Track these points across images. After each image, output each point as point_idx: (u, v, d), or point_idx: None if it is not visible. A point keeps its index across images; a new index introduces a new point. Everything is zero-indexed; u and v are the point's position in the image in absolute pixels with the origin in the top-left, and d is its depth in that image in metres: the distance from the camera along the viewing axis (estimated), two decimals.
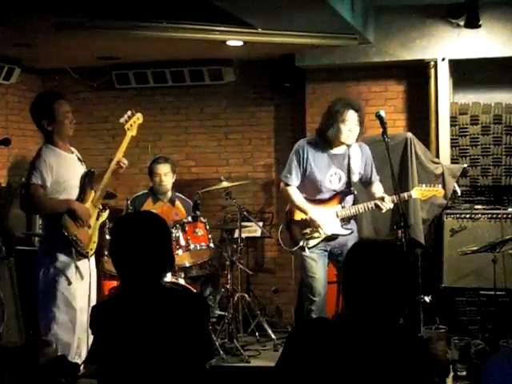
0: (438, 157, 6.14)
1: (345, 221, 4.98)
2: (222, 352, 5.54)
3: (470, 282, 5.76)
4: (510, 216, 5.79)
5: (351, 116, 4.82)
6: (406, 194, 5.01)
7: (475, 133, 6.19)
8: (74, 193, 4.56)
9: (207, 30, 5.64)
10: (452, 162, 6.19)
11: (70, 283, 4.46)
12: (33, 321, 5.44)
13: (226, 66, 6.91)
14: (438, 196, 5.36)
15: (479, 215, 5.86)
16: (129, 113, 4.82)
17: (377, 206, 4.91)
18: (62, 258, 4.47)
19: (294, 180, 4.96)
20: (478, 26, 5.84)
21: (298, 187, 4.98)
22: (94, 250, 4.63)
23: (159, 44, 6.04)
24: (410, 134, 6.02)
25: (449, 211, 5.95)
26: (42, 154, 4.50)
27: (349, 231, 4.99)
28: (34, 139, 7.35)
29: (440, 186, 5.29)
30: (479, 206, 6.01)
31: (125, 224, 2.88)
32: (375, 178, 5.11)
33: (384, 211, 4.94)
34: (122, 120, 4.80)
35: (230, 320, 5.85)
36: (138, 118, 4.85)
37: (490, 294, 5.52)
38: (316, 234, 4.92)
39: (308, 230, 4.93)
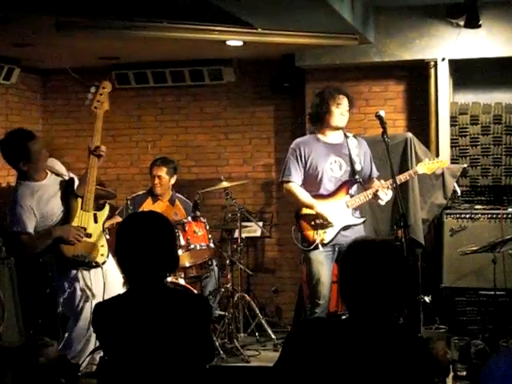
0: (437, 157, 6.13)
1: (355, 209, 4.96)
2: (222, 352, 5.54)
3: (470, 282, 5.76)
4: (510, 216, 5.79)
5: (344, 101, 4.94)
6: (411, 171, 5.04)
7: (475, 133, 6.19)
8: (61, 215, 4.57)
9: (207, 30, 5.64)
10: (452, 162, 6.18)
11: (87, 298, 4.50)
12: (33, 321, 5.45)
13: (225, 66, 6.90)
14: (444, 166, 5.33)
15: (479, 215, 5.86)
16: (92, 90, 4.56)
17: (375, 195, 4.88)
18: (70, 279, 4.52)
19: (295, 177, 4.95)
20: (478, 26, 5.84)
21: (304, 186, 4.97)
22: (106, 254, 4.59)
23: (159, 44, 6.04)
24: (409, 134, 6.02)
25: (449, 211, 5.95)
26: (18, 197, 4.46)
27: (361, 219, 4.99)
28: None
29: (440, 157, 5.29)
30: (479, 206, 6.01)
31: (130, 224, 2.88)
32: (375, 173, 5.11)
33: (383, 198, 4.87)
34: (86, 103, 4.58)
35: (230, 320, 5.85)
36: (105, 86, 4.56)
37: (490, 294, 5.52)
38: (329, 229, 4.88)
39: (320, 227, 4.88)
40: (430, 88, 6.25)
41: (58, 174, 4.65)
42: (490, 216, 5.83)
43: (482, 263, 5.52)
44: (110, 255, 4.72)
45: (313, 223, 4.90)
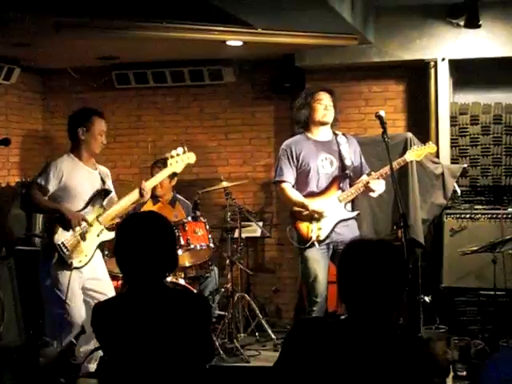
0: (437, 157, 6.14)
1: (348, 204, 4.95)
2: (221, 352, 5.54)
3: (470, 282, 5.76)
4: (510, 216, 5.79)
5: (324, 96, 4.96)
6: (400, 160, 4.97)
7: (475, 133, 6.19)
8: (82, 204, 4.61)
9: (207, 30, 5.65)
10: (452, 162, 6.19)
11: (59, 288, 4.51)
12: (33, 321, 5.45)
13: (225, 66, 6.91)
14: (432, 152, 5.29)
15: (479, 215, 5.86)
16: (179, 150, 4.80)
17: (366, 186, 4.86)
18: (50, 264, 4.53)
19: (288, 176, 4.95)
20: (478, 26, 5.84)
21: (296, 186, 4.96)
22: (84, 263, 4.58)
23: (159, 44, 6.04)
24: (409, 134, 6.02)
25: (449, 211, 5.95)
26: (58, 159, 4.65)
27: (355, 213, 4.99)
28: (34, 139, 7.37)
29: (431, 143, 5.26)
30: (479, 206, 6.01)
31: (130, 224, 2.88)
32: (365, 169, 5.10)
33: (375, 189, 4.84)
34: (167, 154, 4.82)
35: (229, 320, 5.85)
36: (189, 157, 4.85)
37: (490, 294, 5.52)
38: (323, 225, 4.87)
39: (315, 224, 4.88)
40: (430, 88, 6.25)
41: (103, 180, 4.76)
42: (490, 216, 5.83)
43: (482, 263, 5.52)
44: (106, 270, 4.78)
45: (309, 222, 4.88)
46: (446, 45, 6.14)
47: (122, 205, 4.68)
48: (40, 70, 7.37)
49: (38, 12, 4.96)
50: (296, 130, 5.16)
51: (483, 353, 4.96)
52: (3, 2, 4.67)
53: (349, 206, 4.99)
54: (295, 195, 4.95)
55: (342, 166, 4.96)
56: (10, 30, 5.40)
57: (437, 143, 6.21)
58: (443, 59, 6.18)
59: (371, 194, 4.94)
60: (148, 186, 4.73)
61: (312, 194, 4.94)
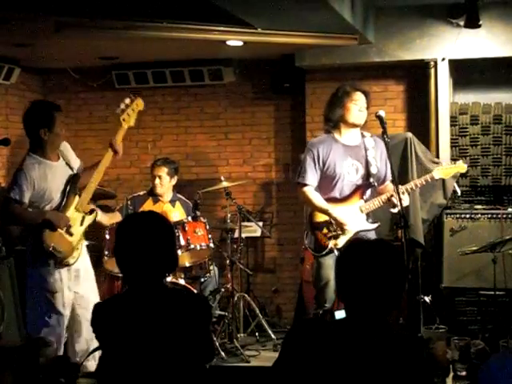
0: (437, 157, 6.14)
1: (370, 215, 4.80)
2: (222, 352, 5.54)
3: (470, 282, 5.77)
4: (510, 216, 5.80)
5: (360, 96, 4.77)
6: (428, 177, 4.80)
7: (475, 133, 6.19)
8: (58, 200, 4.53)
9: (207, 30, 5.65)
10: None
11: (53, 292, 4.47)
12: None
13: (225, 66, 6.91)
14: (462, 171, 5.05)
15: (479, 215, 5.86)
16: (126, 101, 4.60)
17: (389, 200, 4.67)
18: (42, 269, 4.47)
19: (311, 179, 4.75)
20: (478, 26, 5.84)
21: (318, 189, 4.79)
22: (77, 258, 4.54)
23: (159, 44, 6.04)
24: (409, 134, 6.02)
25: (449, 211, 5.96)
26: (25, 166, 4.42)
27: (375, 225, 4.81)
28: None
29: (461, 161, 5.04)
30: (479, 206, 6.01)
31: (130, 224, 2.88)
32: (389, 175, 4.83)
33: (397, 204, 4.54)
34: (117, 111, 4.61)
35: (229, 320, 5.85)
36: (138, 104, 4.65)
37: (490, 294, 5.52)
38: (342, 233, 4.71)
39: (333, 231, 4.73)
40: (430, 88, 6.25)
41: (68, 164, 4.62)
42: (490, 216, 5.84)
43: (482, 263, 5.52)
44: (89, 261, 4.72)
45: (325, 231, 4.75)
46: (446, 45, 6.13)
47: (92, 183, 4.56)
48: (40, 69, 7.37)
49: (38, 12, 4.96)
50: (325, 127, 4.89)
51: (483, 353, 4.95)
52: (3, 1, 4.67)
53: (371, 218, 4.82)
54: (318, 200, 4.75)
55: (367, 174, 4.78)
56: (11, 29, 5.40)
57: (437, 143, 6.23)
58: (443, 59, 6.18)
59: (392, 210, 4.70)
60: (117, 140, 4.62)
61: (334, 200, 4.76)
